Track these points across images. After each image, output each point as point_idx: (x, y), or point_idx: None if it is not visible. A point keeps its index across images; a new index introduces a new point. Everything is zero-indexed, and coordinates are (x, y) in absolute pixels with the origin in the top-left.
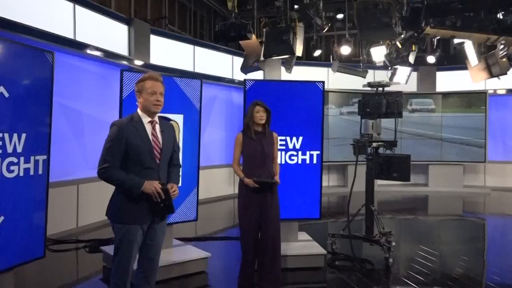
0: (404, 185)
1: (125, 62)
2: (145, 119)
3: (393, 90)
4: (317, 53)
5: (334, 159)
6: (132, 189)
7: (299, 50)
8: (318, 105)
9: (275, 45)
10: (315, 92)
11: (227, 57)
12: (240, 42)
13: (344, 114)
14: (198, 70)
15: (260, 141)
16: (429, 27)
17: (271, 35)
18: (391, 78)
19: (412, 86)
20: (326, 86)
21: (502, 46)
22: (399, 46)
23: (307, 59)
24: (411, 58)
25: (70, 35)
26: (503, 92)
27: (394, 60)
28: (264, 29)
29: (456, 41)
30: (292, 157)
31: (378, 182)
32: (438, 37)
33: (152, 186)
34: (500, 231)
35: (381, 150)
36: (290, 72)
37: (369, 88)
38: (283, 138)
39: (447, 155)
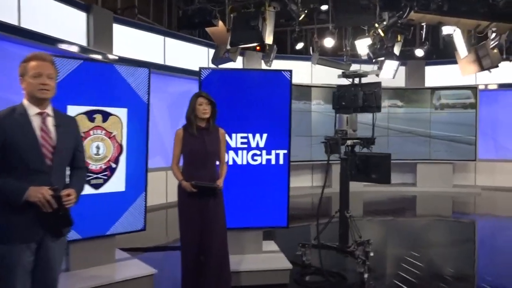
0: (391, 185)
1: (81, 53)
2: (32, 110)
3: (374, 81)
4: (299, 46)
5: (318, 158)
6: (11, 197)
7: (269, 38)
8: (286, 97)
9: (242, 32)
10: (281, 83)
11: (203, 49)
12: (207, 29)
13: (329, 111)
14: (170, 63)
15: (203, 138)
16: (413, 12)
17: (238, 21)
18: (378, 73)
19: (400, 81)
20: (310, 81)
21: (493, 35)
22: (382, 34)
23: (291, 53)
24: (397, 50)
25: (14, 21)
26: (495, 87)
27: (378, 51)
28: (231, 15)
29: (445, 31)
30: (255, 157)
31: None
32: (423, 24)
33: (39, 192)
34: (490, 232)
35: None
36: (269, 66)
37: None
38: (245, 135)
39: (436, 153)
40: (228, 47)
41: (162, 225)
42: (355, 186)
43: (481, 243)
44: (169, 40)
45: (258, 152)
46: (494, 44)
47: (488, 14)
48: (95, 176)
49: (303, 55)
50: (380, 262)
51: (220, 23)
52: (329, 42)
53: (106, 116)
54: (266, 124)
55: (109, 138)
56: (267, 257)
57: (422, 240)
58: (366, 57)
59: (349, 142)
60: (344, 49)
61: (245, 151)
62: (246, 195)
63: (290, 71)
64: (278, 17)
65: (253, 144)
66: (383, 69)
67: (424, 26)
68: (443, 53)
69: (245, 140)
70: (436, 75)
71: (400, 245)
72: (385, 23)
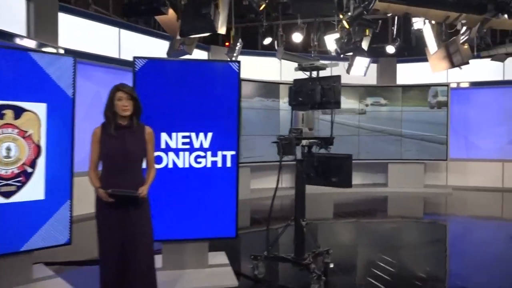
0: (363, 186)
1: (20, 42)
2: None
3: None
4: (267, 41)
5: (287, 158)
6: None
7: (222, 28)
8: (233, 92)
9: (193, 20)
10: (229, 76)
11: (163, 43)
12: (156, 18)
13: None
14: (125, 57)
15: (123, 138)
16: (378, 1)
17: (188, 9)
18: (348, 70)
19: (371, 78)
20: (279, 78)
21: (463, 29)
22: (347, 26)
23: (262, 49)
24: (365, 45)
25: None
26: (466, 85)
27: (346, 46)
28: (182, 2)
29: (415, 26)
30: (199, 159)
31: None
32: (391, 15)
33: None
34: (461, 233)
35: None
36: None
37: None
38: (187, 134)
39: (408, 153)
40: (178, 37)
41: (93, 238)
42: (325, 187)
43: (452, 245)
44: (125, 32)
45: (202, 154)
46: (464, 39)
47: (457, 5)
48: (5, 182)
49: (272, 51)
50: (348, 268)
51: (171, 11)
52: (297, 37)
53: (18, 112)
54: (211, 122)
55: (23, 137)
56: (211, 272)
57: (392, 243)
58: (335, 53)
59: (304, 142)
60: (312, 44)
61: (187, 153)
62: (189, 202)
63: (238, 62)
64: (247, 11)
65: (197, 145)
66: (354, 66)
67: (396, 22)
68: (415, 50)
69: (187, 140)
70: (408, 73)
71: (370, 248)
72: (349, 13)
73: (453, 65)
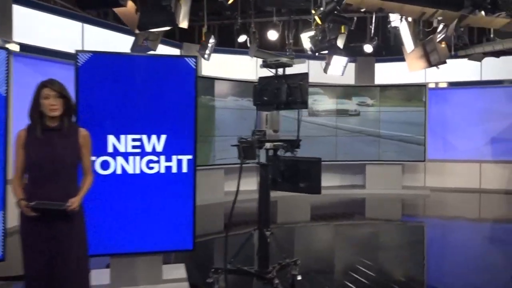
0: (340, 188)
1: None
2: None
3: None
4: (242, 38)
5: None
6: None
7: (183, 22)
8: (189, 90)
9: (152, 13)
10: (184, 72)
11: (130, 39)
12: (115, 10)
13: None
14: None
15: (51, 142)
16: None
17: (148, 1)
18: (325, 69)
19: (349, 78)
20: (255, 77)
21: (441, 27)
22: (319, 21)
23: (239, 47)
24: (340, 43)
25: None
26: (445, 85)
27: (320, 43)
28: None
29: (392, 23)
30: (151, 165)
31: None
32: (364, 10)
33: None
34: (439, 235)
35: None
36: (207, 59)
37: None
38: (137, 137)
39: (385, 154)
40: (137, 31)
41: None
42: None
43: (430, 247)
44: (89, 27)
45: (155, 158)
46: (441, 37)
47: (433, 1)
48: None
49: (245, 49)
50: (320, 277)
51: (130, 3)
52: (272, 35)
53: None
54: (165, 123)
55: None
56: None
57: (370, 246)
58: (310, 52)
59: (268, 145)
60: (287, 42)
61: (138, 157)
62: (140, 212)
63: (195, 57)
64: (223, 8)
65: (148, 148)
66: (331, 65)
67: (373, 21)
68: (393, 50)
69: (138, 143)
70: (386, 72)
71: (346, 253)
72: (322, 9)
73: (430, 64)
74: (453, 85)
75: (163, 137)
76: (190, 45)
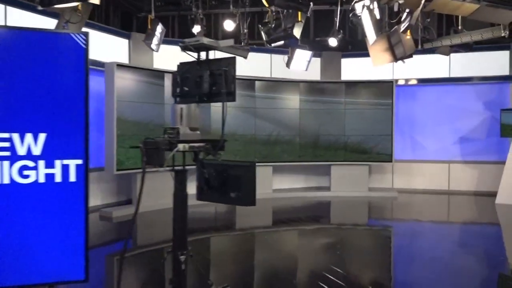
0: (305, 189)
1: None
2: None
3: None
4: (196, 29)
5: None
6: None
7: None
8: (78, 75)
9: None
10: (71, 53)
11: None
12: None
13: (240, 106)
14: None
15: None
16: None
17: None
18: (288, 64)
19: (315, 73)
20: None
21: (404, 15)
22: (265, 3)
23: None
24: (297, 32)
25: None
26: (413, 82)
27: (274, 32)
28: None
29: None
30: (26, 172)
31: (275, 185)
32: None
33: None
34: (407, 239)
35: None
36: (156, 51)
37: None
38: (6, 136)
39: (351, 154)
40: (40, 8)
41: None
42: (262, 192)
43: (397, 252)
44: (12, 10)
45: (31, 164)
46: (405, 26)
47: None
48: None
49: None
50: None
51: None
52: (229, 25)
53: None
54: (44, 118)
55: None
56: None
57: (333, 253)
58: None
59: (181, 146)
60: (242, 32)
61: (6, 163)
62: (11, 235)
63: (86, 34)
64: None
65: (21, 151)
66: (294, 59)
67: (339, 13)
68: (360, 45)
69: (7, 144)
70: (353, 68)
71: (313, 259)
72: None
73: (395, 58)
74: (421, 81)
75: (42, 136)
76: (140, 35)
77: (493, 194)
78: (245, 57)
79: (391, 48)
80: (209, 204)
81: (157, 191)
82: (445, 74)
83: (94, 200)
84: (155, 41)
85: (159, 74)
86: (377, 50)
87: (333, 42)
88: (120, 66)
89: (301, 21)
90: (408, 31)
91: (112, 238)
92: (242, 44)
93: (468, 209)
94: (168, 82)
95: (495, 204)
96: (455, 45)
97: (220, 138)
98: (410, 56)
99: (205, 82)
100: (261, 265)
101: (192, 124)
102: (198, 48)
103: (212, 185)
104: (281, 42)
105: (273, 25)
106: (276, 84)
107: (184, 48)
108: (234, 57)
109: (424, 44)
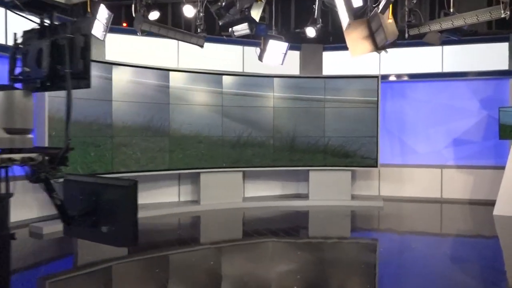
0: (281, 197)
1: None
2: None
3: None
4: (154, 15)
5: (190, 165)
6: None
7: None
8: None
9: None
10: None
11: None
12: None
13: (213, 103)
14: None
15: None
16: None
17: None
18: (260, 57)
19: (294, 68)
20: (176, 65)
21: None
22: None
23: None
24: (255, 13)
25: None
26: (401, 77)
27: (226, 13)
28: None
29: None
30: None
31: (247, 193)
32: None
33: None
34: (393, 254)
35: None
36: (102, 39)
37: None
38: None
39: (332, 158)
40: None
41: None
42: (230, 201)
43: (383, 268)
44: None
45: None
46: (383, 3)
47: None
48: None
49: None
50: None
51: None
52: (188, 11)
53: None
54: None
55: None
56: None
57: (311, 270)
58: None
59: None
60: (197, 17)
61: None
62: None
63: None
64: None
65: None
66: (267, 52)
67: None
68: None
69: None
70: (336, 62)
71: (285, 278)
72: None
73: (376, 46)
74: (411, 77)
75: None
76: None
77: (490, 203)
78: (201, 46)
79: (372, 36)
80: (174, 215)
81: None
82: (437, 69)
83: (28, 213)
84: (99, 27)
85: (107, 66)
86: (355, 38)
87: (310, 32)
88: None
89: (261, 1)
90: (390, 13)
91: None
92: (198, 31)
93: (463, 220)
94: (116, 76)
95: (493, 215)
96: (446, 31)
97: (63, 146)
98: (394, 44)
99: (45, 59)
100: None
101: (15, 123)
102: (32, 6)
103: (65, 213)
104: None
105: (223, 3)
106: (247, 80)
107: (12, 7)
108: (89, 19)
109: (409, 30)
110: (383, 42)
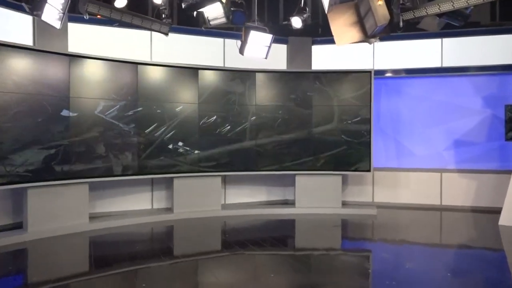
0: (266, 204)
1: None
2: None
3: None
4: (120, 2)
5: (166, 169)
6: None
7: None
8: None
9: None
10: None
11: None
12: None
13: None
14: None
15: None
16: None
17: None
18: (241, 49)
19: (280, 63)
20: (149, 58)
21: None
22: None
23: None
24: None
25: None
26: (397, 73)
27: None
28: None
29: None
30: None
31: (228, 199)
32: None
33: None
34: (388, 269)
35: None
36: (58, 27)
37: None
38: None
39: (321, 161)
40: None
41: None
42: (207, 209)
43: (377, 285)
44: None
45: None
46: None
47: None
48: None
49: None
50: None
51: None
52: None
53: None
54: None
55: None
56: None
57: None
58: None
59: None
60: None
61: None
62: None
63: None
64: None
65: None
66: (249, 44)
67: None
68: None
69: None
70: (327, 57)
71: None
72: None
73: (365, 34)
74: (407, 72)
75: None
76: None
77: (495, 211)
78: (166, 34)
79: (360, 22)
80: (147, 224)
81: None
82: (436, 64)
83: None
84: (53, 14)
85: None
86: (341, 24)
87: (296, 22)
88: None
89: None
90: None
91: None
92: (163, 17)
93: (465, 230)
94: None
95: (499, 225)
96: (446, 15)
97: None
98: (386, 32)
99: None
100: None
101: None
102: None
103: None
104: (220, 18)
105: None
106: (226, 74)
107: None
108: None
109: (403, 14)
110: (373, 28)
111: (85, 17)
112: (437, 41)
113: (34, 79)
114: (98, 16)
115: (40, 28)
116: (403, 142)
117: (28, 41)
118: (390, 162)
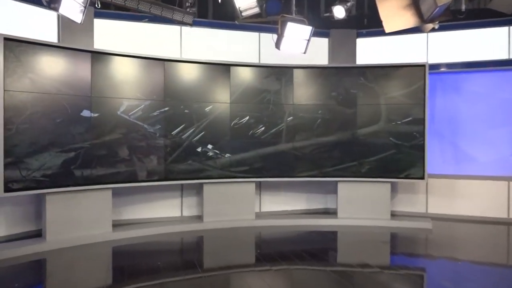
0: (305, 214)
1: None
2: None
3: None
4: None
5: (195, 175)
6: None
7: None
8: None
9: None
10: None
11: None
12: None
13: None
14: None
15: None
16: None
17: None
18: (277, 44)
19: (321, 58)
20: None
21: None
22: None
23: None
24: None
25: None
26: (455, 67)
27: None
28: None
29: None
30: None
31: (263, 207)
32: None
33: None
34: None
35: None
36: (80, 22)
37: None
38: None
39: (367, 167)
40: None
41: None
42: (240, 218)
43: None
44: None
45: None
46: None
47: None
48: None
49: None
50: None
51: None
52: None
53: None
54: None
55: None
56: None
57: None
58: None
59: None
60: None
61: None
62: None
63: None
64: None
65: None
66: (285, 37)
67: None
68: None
69: None
70: (374, 50)
71: None
72: None
73: (421, 18)
74: (468, 66)
75: None
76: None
77: None
78: (190, 25)
79: (415, 3)
80: (174, 234)
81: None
82: (503, 56)
83: None
84: (73, 7)
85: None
86: (392, 7)
87: (339, 12)
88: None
89: None
90: None
91: None
92: (187, 5)
93: None
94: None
95: None
96: None
97: None
98: (446, 15)
99: None
100: None
101: None
102: None
103: None
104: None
105: None
106: (260, 71)
107: None
108: None
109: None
110: (432, 10)
111: (96, 5)
112: (503, 30)
113: (53, 77)
114: (113, 3)
115: (65, 24)
116: (462, 146)
117: (53, 38)
118: (447, 168)
